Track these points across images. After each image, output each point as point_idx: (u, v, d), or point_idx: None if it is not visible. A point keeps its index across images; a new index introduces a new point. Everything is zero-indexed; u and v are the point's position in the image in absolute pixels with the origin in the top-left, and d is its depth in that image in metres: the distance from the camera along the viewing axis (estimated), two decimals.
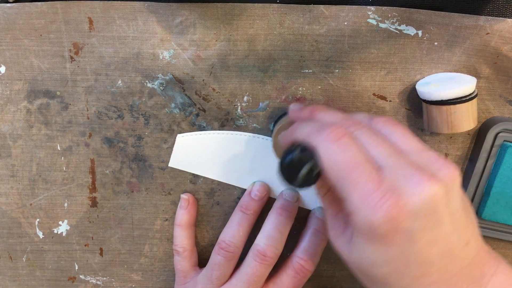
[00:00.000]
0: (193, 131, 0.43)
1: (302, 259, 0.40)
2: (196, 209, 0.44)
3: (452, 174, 0.28)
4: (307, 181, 0.31)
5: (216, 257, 0.41)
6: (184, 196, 0.44)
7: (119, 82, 0.42)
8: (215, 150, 0.43)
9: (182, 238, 0.43)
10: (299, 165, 0.31)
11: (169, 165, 0.43)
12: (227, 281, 0.41)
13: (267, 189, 0.43)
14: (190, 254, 0.44)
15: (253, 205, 0.42)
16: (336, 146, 0.29)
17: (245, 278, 0.40)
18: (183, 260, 0.43)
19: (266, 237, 0.40)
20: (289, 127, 0.35)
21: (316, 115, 0.34)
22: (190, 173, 0.44)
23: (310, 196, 0.44)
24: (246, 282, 0.39)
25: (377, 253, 0.28)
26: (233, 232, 0.41)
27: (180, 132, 0.43)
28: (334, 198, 0.34)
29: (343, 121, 0.32)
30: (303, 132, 0.32)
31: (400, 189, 0.27)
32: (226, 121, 0.43)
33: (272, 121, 0.43)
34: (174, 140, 0.43)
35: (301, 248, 0.41)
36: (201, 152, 0.43)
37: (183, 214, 0.44)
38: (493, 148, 0.41)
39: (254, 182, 0.43)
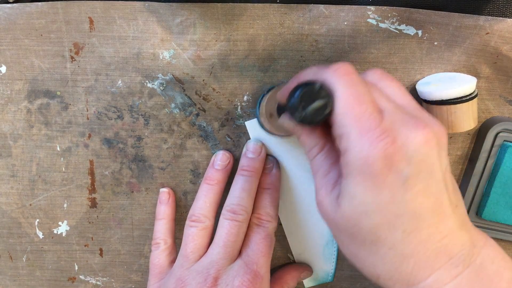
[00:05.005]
0: (193, 131, 0.43)
1: (258, 213, 0.41)
2: (175, 202, 0.45)
3: (443, 131, 0.29)
4: (316, 116, 0.30)
5: (188, 230, 0.40)
6: (164, 189, 0.44)
7: (119, 82, 0.42)
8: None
9: (164, 231, 0.43)
10: (310, 98, 0.30)
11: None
12: (203, 255, 0.40)
13: (229, 156, 0.43)
14: (171, 249, 0.43)
15: (216, 175, 0.42)
16: (348, 79, 0.29)
17: (220, 242, 0.39)
18: (162, 253, 0.42)
19: (233, 197, 0.40)
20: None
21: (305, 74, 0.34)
22: (190, 173, 0.44)
23: (274, 143, 0.43)
24: (222, 245, 0.39)
25: (369, 197, 0.28)
26: (200, 204, 0.41)
27: (180, 133, 0.43)
28: (327, 156, 0.33)
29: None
30: (309, 73, 0.32)
31: (398, 131, 0.28)
32: (226, 120, 0.43)
33: (257, 101, 0.42)
34: (174, 141, 0.43)
35: (256, 207, 0.41)
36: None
37: (166, 208, 0.44)
38: (493, 148, 0.41)
39: (216, 153, 0.43)
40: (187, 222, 0.41)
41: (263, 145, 0.43)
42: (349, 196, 0.29)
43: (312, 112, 0.30)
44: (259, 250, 0.39)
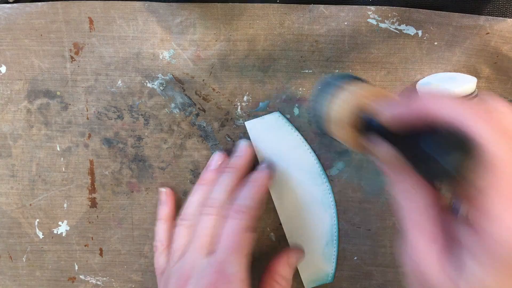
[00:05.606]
0: (193, 131, 0.43)
1: (234, 203, 0.39)
2: (175, 202, 0.44)
3: None
4: (455, 172, 0.23)
5: (175, 229, 0.41)
6: (162, 189, 0.44)
7: (119, 82, 0.42)
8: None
9: (164, 233, 0.43)
10: (449, 148, 0.23)
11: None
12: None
13: (224, 157, 0.43)
14: (169, 250, 0.42)
15: (210, 175, 0.42)
16: (506, 139, 0.22)
17: (194, 238, 0.39)
18: (161, 255, 0.42)
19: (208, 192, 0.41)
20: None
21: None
22: (190, 173, 0.44)
23: (275, 143, 0.43)
24: (195, 242, 0.38)
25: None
26: (187, 204, 0.41)
27: (180, 133, 0.43)
28: (432, 213, 0.26)
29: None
30: (440, 106, 0.24)
31: None
32: (226, 120, 0.43)
33: (315, 96, 0.33)
34: (174, 141, 0.43)
35: (234, 198, 0.40)
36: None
37: (165, 209, 0.44)
38: None
39: (213, 156, 0.43)
40: (177, 221, 0.41)
41: (250, 144, 0.43)
42: (472, 282, 0.23)
43: (452, 166, 0.22)
44: (229, 246, 0.37)
